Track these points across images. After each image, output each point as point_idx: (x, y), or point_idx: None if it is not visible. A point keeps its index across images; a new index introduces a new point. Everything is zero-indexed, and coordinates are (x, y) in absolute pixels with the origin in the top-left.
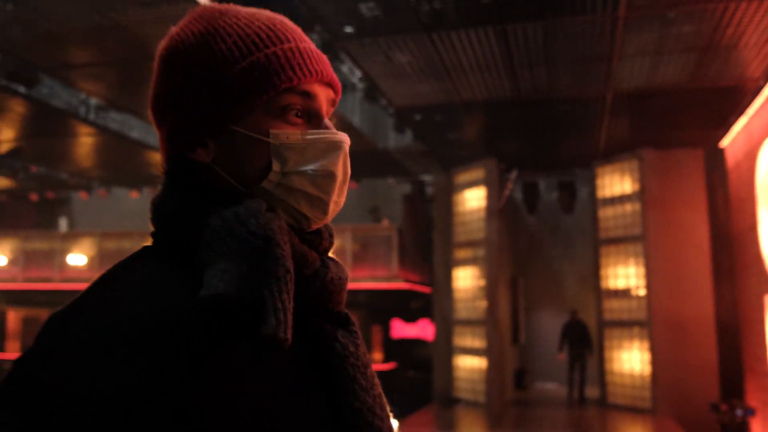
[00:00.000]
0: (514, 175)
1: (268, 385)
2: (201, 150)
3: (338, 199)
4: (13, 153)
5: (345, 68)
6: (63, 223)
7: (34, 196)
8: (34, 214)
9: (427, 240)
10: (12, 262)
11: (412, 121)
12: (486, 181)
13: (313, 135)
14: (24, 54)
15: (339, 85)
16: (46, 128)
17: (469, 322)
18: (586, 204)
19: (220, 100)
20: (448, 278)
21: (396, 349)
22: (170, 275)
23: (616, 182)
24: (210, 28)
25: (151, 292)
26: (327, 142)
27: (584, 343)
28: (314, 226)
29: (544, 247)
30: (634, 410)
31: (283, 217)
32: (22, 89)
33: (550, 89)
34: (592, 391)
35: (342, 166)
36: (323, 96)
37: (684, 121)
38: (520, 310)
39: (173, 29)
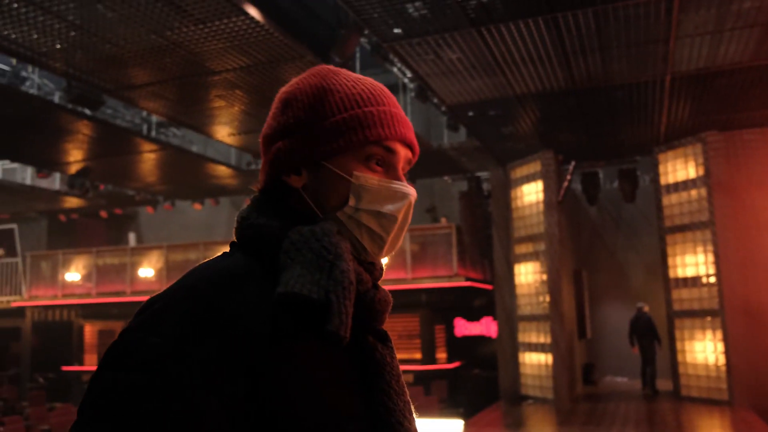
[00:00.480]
0: (572, 166)
1: (323, 375)
2: (295, 177)
3: (395, 241)
4: (82, 173)
5: (395, 69)
6: (132, 238)
7: (103, 213)
8: (104, 230)
9: (486, 237)
10: (85, 277)
11: (465, 117)
12: (543, 174)
13: (387, 183)
14: (87, 78)
15: (417, 148)
16: (111, 147)
17: (533, 318)
18: (649, 192)
19: (320, 138)
20: (509, 274)
21: (460, 347)
22: (252, 268)
23: (679, 168)
24: (324, 83)
25: (235, 289)
26: (397, 191)
27: (650, 336)
28: (370, 259)
29: (607, 238)
30: (709, 402)
31: (348, 242)
32: (87, 111)
33: (606, 76)
34: (664, 384)
35: (404, 214)
36: (402, 154)
37: (748, 100)
38: (585, 303)
39: (294, 79)
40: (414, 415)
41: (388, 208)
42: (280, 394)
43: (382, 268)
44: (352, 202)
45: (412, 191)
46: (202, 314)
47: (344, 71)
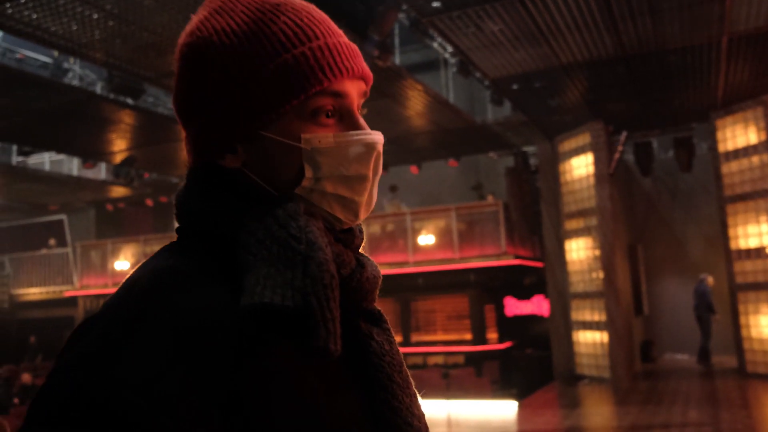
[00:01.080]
0: (623, 136)
1: (311, 386)
2: (230, 156)
3: (370, 199)
4: (127, 162)
5: (436, 44)
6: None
7: (149, 202)
8: (150, 218)
9: (534, 213)
10: (134, 265)
11: (509, 91)
12: (593, 146)
13: (345, 137)
14: (127, 67)
15: (370, 76)
16: (154, 135)
17: (586, 295)
18: (707, 160)
19: (248, 105)
20: (560, 251)
21: (511, 327)
22: (203, 274)
23: (739, 133)
24: (233, 23)
25: (188, 293)
26: (360, 143)
27: (702, 308)
28: (346, 227)
29: (662, 210)
30: None
31: (320, 219)
32: (129, 101)
33: (657, 40)
34: (729, 361)
35: (373, 167)
36: (355, 92)
37: None
38: (641, 279)
39: (193, 22)
40: (422, 407)
41: (354, 167)
42: (264, 420)
43: (361, 231)
44: (308, 173)
45: (376, 137)
46: (151, 339)
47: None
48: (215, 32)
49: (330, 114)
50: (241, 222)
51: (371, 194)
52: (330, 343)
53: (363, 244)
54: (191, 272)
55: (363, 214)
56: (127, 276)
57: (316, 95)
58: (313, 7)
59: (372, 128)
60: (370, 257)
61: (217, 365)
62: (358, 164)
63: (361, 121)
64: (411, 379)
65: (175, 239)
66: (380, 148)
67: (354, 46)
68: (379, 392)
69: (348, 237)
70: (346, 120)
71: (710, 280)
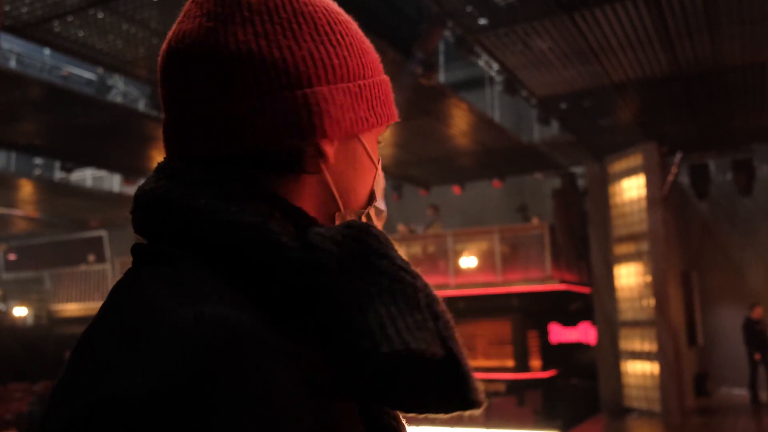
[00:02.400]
0: (678, 158)
1: None
2: (327, 145)
3: None
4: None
5: (481, 62)
6: None
7: None
8: None
9: (582, 236)
10: None
11: (557, 110)
12: (646, 168)
13: (382, 172)
14: None
15: None
16: None
17: (636, 324)
18: None
19: (367, 98)
20: (608, 276)
21: (556, 354)
22: (259, 316)
23: None
24: (331, 39)
25: (276, 366)
26: (384, 181)
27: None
28: None
29: (719, 235)
30: None
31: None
32: None
33: (716, 58)
34: None
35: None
36: None
37: None
38: (695, 307)
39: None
40: None
41: (383, 203)
42: None
43: None
44: (374, 197)
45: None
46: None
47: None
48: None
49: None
50: (313, 243)
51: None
52: (481, 395)
53: None
54: (260, 331)
55: None
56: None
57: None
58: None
59: (414, 148)
60: None
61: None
62: (383, 200)
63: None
64: None
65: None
66: None
67: None
68: None
69: None
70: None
71: (756, 311)
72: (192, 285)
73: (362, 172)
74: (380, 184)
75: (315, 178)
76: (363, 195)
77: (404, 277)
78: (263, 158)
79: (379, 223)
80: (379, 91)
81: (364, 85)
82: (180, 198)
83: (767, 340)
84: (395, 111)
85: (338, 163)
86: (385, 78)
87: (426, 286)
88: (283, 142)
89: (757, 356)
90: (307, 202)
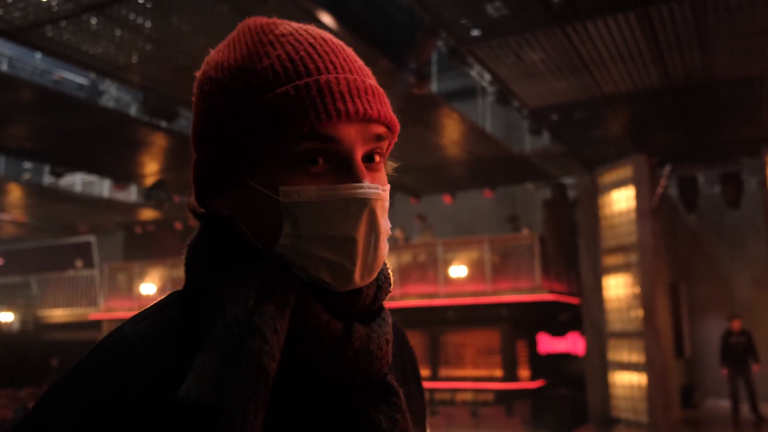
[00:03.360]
0: (667, 170)
1: None
2: (219, 201)
3: (370, 262)
4: (158, 185)
5: (473, 72)
6: None
7: (178, 225)
8: (179, 242)
9: (571, 247)
10: (161, 289)
11: (548, 121)
12: (635, 179)
13: (330, 191)
14: (163, 90)
15: (387, 117)
16: (186, 159)
17: (624, 335)
18: (756, 197)
19: (232, 147)
20: (597, 287)
21: (544, 365)
22: (157, 345)
23: None
24: (231, 57)
25: (119, 366)
26: (347, 198)
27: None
28: (345, 290)
29: (707, 247)
30: None
31: (293, 289)
32: (163, 124)
33: (706, 71)
34: None
35: (366, 228)
36: (355, 137)
37: None
38: (683, 319)
39: (212, 50)
40: None
41: (339, 227)
42: None
43: (380, 287)
44: (287, 229)
45: (369, 191)
46: (63, 410)
47: (275, 24)
48: (215, 66)
49: (322, 162)
50: (213, 286)
51: (370, 257)
52: None
53: (383, 296)
54: (141, 342)
55: (362, 278)
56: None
57: (300, 140)
58: (323, 38)
59: (406, 156)
60: (402, 286)
61: None
62: (345, 224)
63: (360, 171)
64: None
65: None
66: (375, 204)
67: (365, 84)
68: None
69: (348, 299)
70: (342, 169)
71: (734, 323)
72: (154, 312)
73: (261, 209)
74: (309, 210)
75: (240, 220)
76: (270, 229)
77: (231, 327)
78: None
79: (323, 248)
80: (249, 127)
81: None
82: (188, 246)
83: (746, 353)
84: (297, 123)
85: (243, 206)
86: (271, 99)
87: (248, 338)
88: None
89: (724, 371)
90: (242, 239)
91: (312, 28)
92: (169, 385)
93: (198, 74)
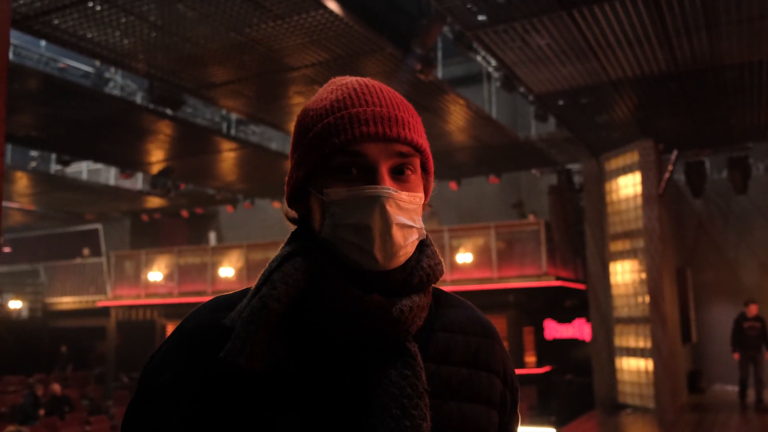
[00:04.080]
0: (674, 155)
1: (294, 402)
2: (298, 206)
3: (387, 245)
4: (164, 173)
5: (479, 58)
6: (212, 237)
7: (184, 213)
8: (185, 230)
9: (577, 233)
10: (167, 277)
11: (554, 107)
12: (642, 165)
13: (352, 191)
14: (168, 78)
15: (408, 138)
16: (192, 146)
17: (631, 320)
18: (763, 182)
19: (300, 165)
20: (604, 273)
21: (550, 351)
22: (236, 305)
23: None
24: (312, 100)
25: (207, 315)
26: (362, 197)
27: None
28: (378, 269)
29: (714, 233)
30: None
31: (317, 262)
32: (168, 111)
33: (713, 56)
34: None
35: (378, 217)
36: (378, 153)
37: None
38: (689, 305)
39: None
40: None
41: (358, 217)
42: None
43: (414, 271)
44: (327, 220)
45: (380, 191)
46: (174, 344)
47: (342, 78)
48: (303, 109)
49: (354, 171)
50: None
51: (386, 241)
52: (235, 357)
53: (414, 281)
54: (228, 302)
55: (385, 260)
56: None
57: (336, 155)
58: (368, 84)
59: None
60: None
61: (196, 373)
62: (361, 214)
63: (380, 177)
64: (423, 412)
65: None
66: (385, 201)
67: (390, 113)
68: (373, 417)
69: (376, 280)
70: (368, 177)
71: (751, 308)
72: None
73: (316, 208)
74: (340, 205)
75: None
76: (319, 222)
77: (259, 282)
78: None
79: (350, 233)
80: (306, 150)
81: (295, 157)
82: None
83: (760, 339)
84: (332, 144)
85: (310, 209)
86: (318, 129)
87: (265, 287)
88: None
89: (736, 356)
90: (311, 235)
91: (367, 79)
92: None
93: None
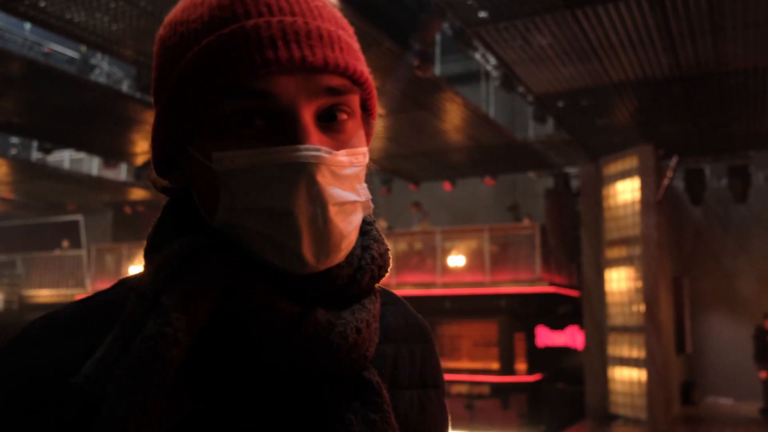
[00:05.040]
0: (674, 161)
1: None
2: (175, 174)
3: (323, 239)
4: (149, 164)
5: (478, 56)
6: None
7: None
8: None
9: (573, 238)
10: None
11: (554, 108)
12: (641, 170)
13: (260, 155)
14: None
15: (342, 66)
16: None
17: (625, 329)
18: (763, 191)
19: (169, 112)
20: (599, 280)
21: (542, 358)
22: (82, 325)
23: None
24: (177, 11)
25: (36, 349)
26: (276, 165)
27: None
28: (308, 272)
29: (712, 242)
30: None
31: (228, 267)
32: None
33: (718, 61)
34: None
35: (305, 199)
36: (297, 90)
37: None
38: (685, 314)
39: None
40: None
41: (275, 198)
42: None
43: (362, 268)
44: (223, 200)
45: (307, 153)
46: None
47: None
48: (167, 23)
49: (258, 122)
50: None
51: (320, 234)
52: None
53: (365, 278)
54: (66, 324)
55: (319, 260)
56: None
57: (229, 98)
58: None
59: (406, 141)
60: (398, 274)
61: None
62: (279, 193)
63: (302, 131)
64: None
65: None
66: (316, 170)
67: (310, 26)
68: None
69: (312, 281)
70: (283, 131)
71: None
72: (101, 292)
73: (199, 180)
74: (241, 179)
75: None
76: (212, 201)
77: (136, 304)
78: None
79: (261, 221)
80: (169, 94)
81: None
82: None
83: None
84: (221, 79)
85: (192, 179)
86: (195, 53)
87: (152, 317)
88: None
89: (763, 374)
90: (194, 217)
91: None
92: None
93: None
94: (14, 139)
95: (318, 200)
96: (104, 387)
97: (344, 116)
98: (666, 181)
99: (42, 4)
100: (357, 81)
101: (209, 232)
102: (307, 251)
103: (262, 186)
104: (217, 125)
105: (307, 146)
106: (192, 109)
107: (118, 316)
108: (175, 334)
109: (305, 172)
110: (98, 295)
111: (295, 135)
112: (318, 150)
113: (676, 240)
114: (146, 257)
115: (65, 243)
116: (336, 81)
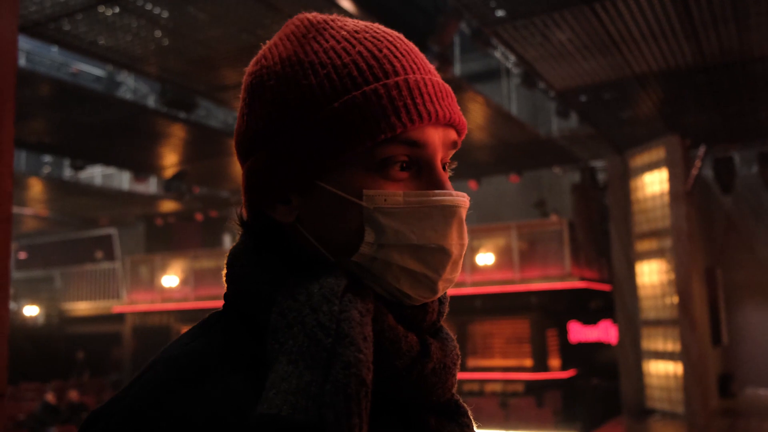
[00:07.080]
0: (702, 151)
1: None
2: (282, 208)
3: (453, 273)
4: (178, 176)
5: (497, 53)
6: (227, 240)
7: (199, 216)
8: (200, 233)
9: (602, 233)
10: (183, 281)
11: (576, 103)
12: (668, 161)
13: (418, 197)
14: (180, 81)
15: (463, 123)
16: (205, 149)
17: (658, 323)
18: None
19: (305, 148)
20: (630, 274)
21: (575, 354)
22: (224, 361)
23: None
24: (301, 52)
25: (198, 388)
26: (436, 206)
27: None
28: (423, 302)
29: (745, 231)
30: None
31: (370, 298)
32: (182, 114)
33: (742, 48)
34: None
35: (456, 238)
36: (438, 142)
37: None
38: (720, 305)
39: (264, 47)
40: None
41: (428, 236)
42: None
43: (442, 302)
44: (369, 236)
45: (460, 200)
46: None
47: (334, 21)
48: (281, 60)
49: (404, 167)
50: (277, 297)
51: (455, 269)
52: None
53: (445, 310)
54: (209, 360)
55: (442, 290)
56: (153, 362)
57: (386, 143)
58: (399, 36)
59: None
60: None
61: None
62: (434, 233)
63: (444, 178)
64: None
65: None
66: (463, 213)
67: (445, 86)
68: None
69: (417, 314)
70: (424, 176)
71: None
72: (204, 328)
73: (336, 214)
74: (396, 217)
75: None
76: (346, 237)
77: (316, 335)
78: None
79: (408, 258)
80: (328, 127)
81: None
82: (231, 255)
83: None
84: (389, 125)
85: (310, 213)
86: (355, 97)
87: (340, 347)
88: (253, 207)
89: None
90: (305, 248)
91: (379, 26)
92: (246, 404)
93: (249, 69)
94: (47, 158)
95: (462, 239)
96: (306, 413)
97: (447, 167)
98: (694, 171)
99: (67, 28)
100: (461, 136)
101: (332, 265)
102: (441, 283)
103: (417, 225)
104: (366, 166)
105: (457, 192)
106: (342, 149)
107: (248, 351)
108: (367, 360)
109: (457, 215)
110: (205, 331)
111: (438, 181)
112: (464, 196)
113: (707, 230)
114: (251, 287)
115: (99, 254)
116: (457, 137)
